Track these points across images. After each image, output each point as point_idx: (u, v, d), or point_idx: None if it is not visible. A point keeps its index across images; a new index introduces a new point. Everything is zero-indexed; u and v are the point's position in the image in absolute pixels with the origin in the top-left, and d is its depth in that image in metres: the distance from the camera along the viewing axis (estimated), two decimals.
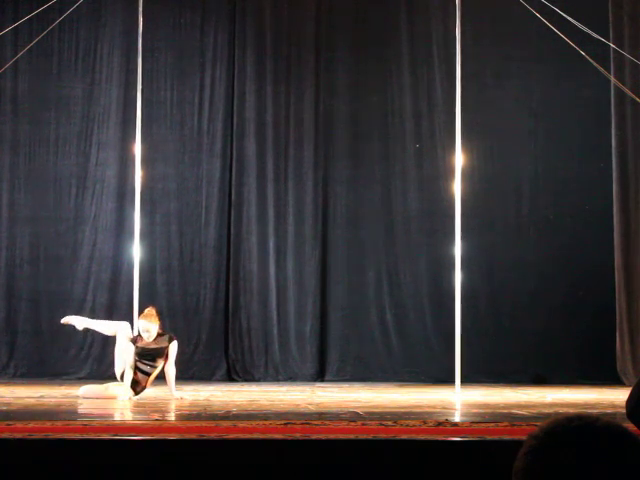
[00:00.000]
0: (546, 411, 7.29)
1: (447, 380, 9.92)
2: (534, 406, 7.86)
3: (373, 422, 6.04)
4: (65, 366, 11.28)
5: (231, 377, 11.34)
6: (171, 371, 8.40)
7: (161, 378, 8.51)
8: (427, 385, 10.59)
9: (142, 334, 8.50)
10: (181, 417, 6.76)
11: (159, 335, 8.47)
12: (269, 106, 11.71)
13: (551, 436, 1.43)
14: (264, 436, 5.04)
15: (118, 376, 8.44)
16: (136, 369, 8.37)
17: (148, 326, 8.44)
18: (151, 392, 8.63)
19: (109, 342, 10.06)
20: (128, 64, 11.43)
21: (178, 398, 8.26)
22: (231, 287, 11.54)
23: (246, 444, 4.84)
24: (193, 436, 4.99)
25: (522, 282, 11.40)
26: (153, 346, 8.42)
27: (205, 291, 11.54)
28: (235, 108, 11.71)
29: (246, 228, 11.62)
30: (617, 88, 10.54)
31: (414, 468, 4.68)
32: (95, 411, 7.35)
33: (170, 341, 8.45)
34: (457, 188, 9.67)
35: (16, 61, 10.60)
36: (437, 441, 4.97)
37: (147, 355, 8.39)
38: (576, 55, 9.35)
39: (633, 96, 9.69)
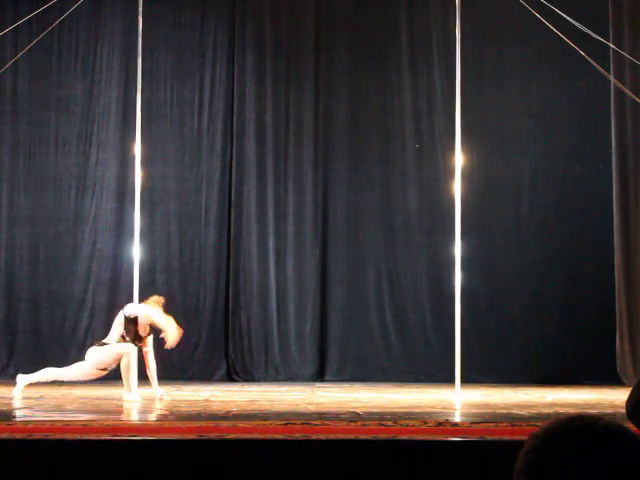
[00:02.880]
0: (546, 411, 7.29)
1: (447, 380, 9.91)
2: (534, 406, 7.86)
3: (373, 422, 6.04)
4: (65, 366, 11.25)
5: (231, 377, 11.34)
6: (152, 366, 8.36)
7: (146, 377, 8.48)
8: (427, 385, 10.59)
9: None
10: (181, 417, 6.75)
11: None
12: (269, 106, 11.70)
13: (552, 436, 1.43)
14: (264, 436, 5.04)
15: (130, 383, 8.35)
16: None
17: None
18: (150, 392, 8.61)
19: None
20: (128, 64, 11.42)
21: (160, 395, 8.21)
22: (231, 287, 11.54)
23: (246, 444, 4.84)
24: (193, 436, 4.99)
25: (522, 282, 11.39)
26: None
27: (205, 291, 11.54)
28: (235, 108, 11.71)
29: (246, 228, 11.62)
30: (617, 88, 10.54)
31: (414, 468, 4.67)
32: (95, 411, 7.34)
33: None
34: (457, 188, 9.67)
35: (16, 61, 10.59)
36: (437, 441, 4.98)
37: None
38: (576, 55, 9.35)
39: (633, 96, 9.69)
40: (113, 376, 8.79)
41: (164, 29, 11.62)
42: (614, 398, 8.44)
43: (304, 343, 11.50)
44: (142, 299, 8.92)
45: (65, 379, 8.67)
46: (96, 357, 8.38)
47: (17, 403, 7.91)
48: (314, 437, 4.98)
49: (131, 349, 8.28)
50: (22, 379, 8.45)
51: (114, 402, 8.07)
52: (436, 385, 10.40)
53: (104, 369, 8.43)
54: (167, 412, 7.27)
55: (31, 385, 8.54)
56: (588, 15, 10.29)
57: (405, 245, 11.61)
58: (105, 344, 8.42)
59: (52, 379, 8.65)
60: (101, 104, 11.64)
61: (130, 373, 8.23)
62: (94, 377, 8.51)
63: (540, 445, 1.42)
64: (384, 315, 11.53)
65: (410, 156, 11.67)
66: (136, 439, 5.05)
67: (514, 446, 1.59)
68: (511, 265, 11.45)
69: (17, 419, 6.55)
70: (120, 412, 7.36)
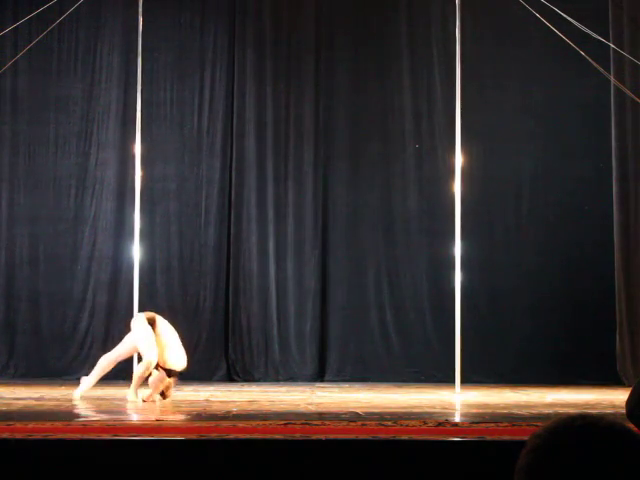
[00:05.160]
0: (546, 411, 7.29)
1: (447, 380, 9.92)
2: (534, 406, 7.86)
3: (373, 422, 6.03)
4: (65, 366, 11.27)
5: (231, 377, 11.33)
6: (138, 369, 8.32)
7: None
8: (427, 385, 10.59)
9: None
10: (181, 417, 6.75)
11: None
12: (269, 106, 11.70)
13: (554, 435, 1.43)
14: (264, 436, 5.03)
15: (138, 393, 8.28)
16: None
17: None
18: (147, 392, 8.60)
19: (109, 342, 10.07)
20: (128, 64, 11.42)
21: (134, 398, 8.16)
22: (231, 287, 11.54)
23: (246, 444, 4.84)
24: (193, 436, 4.98)
25: (522, 282, 11.39)
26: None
27: (205, 291, 11.53)
28: (235, 108, 11.71)
29: (246, 228, 11.62)
30: (617, 88, 10.54)
31: (414, 468, 4.67)
32: (95, 411, 7.34)
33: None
34: (457, 188, 9.68)
35: (16, 61, 10.59)
36: (437, 441, 4.97)
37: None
38: (576, 55, 9.35)
39: (633, 96, 9.69)
40: (113, 376, 8.79)
41: (164, 29, 11.61)
42: (614, 398, 8.44)
43: (304, 343, 11.50)
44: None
45: (115, 360, 8.50)
46: (129, 338, 8.33)
47: (79, 405, 7.79)
48: (314, 437, 4.98)
49: (153, 358, 8.13)
50: (85, 381, 8.32)
51: (114, 402, 8.06)
52: (436, 385, 10.40)
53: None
54: (167, 412, 7.26)
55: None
56: (588, 15, 10.29)
57: (405, 245, 11.61)
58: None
59: (109, 368, 8.48)
60: (101, 104, 11.64)
61: (140, 380, 8.13)
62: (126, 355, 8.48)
63: (542, 444, 1.42)
64: (384, 315, 11.52)
65: (410, 156, 11.67)
66: (136, 439, 5.05)
67: (514, 446, 1.59)
68: (511, 265, 11.44)
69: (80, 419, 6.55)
70: (120, 412, 7.36)
